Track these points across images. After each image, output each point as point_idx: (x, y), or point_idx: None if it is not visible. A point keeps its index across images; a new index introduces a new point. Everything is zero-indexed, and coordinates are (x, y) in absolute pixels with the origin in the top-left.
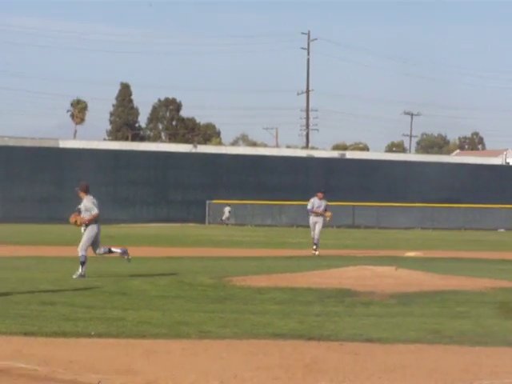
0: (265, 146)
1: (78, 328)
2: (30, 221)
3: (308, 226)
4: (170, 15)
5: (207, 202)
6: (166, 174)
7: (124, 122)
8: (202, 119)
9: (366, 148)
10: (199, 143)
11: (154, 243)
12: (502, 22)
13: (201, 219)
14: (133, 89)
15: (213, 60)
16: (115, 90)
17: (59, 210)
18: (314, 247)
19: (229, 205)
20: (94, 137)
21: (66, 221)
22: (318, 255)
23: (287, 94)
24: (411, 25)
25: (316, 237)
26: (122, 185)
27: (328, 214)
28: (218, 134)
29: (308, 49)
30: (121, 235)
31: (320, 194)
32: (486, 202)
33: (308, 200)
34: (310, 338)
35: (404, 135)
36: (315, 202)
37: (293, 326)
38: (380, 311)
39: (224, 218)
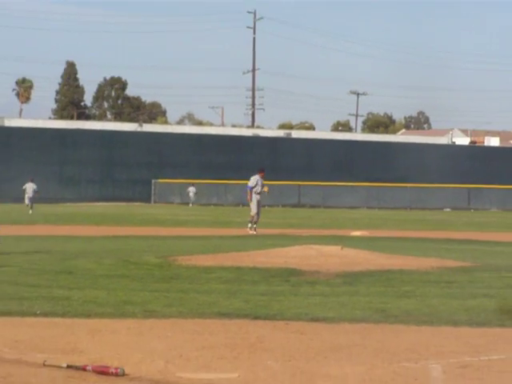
0: (211, 125)
1: (23, 307)
2: None
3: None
4: None
5: (153, 181)
6: (111, 153)
7: (70, 100)
8: (147, 98)
9: (311, 127)
10: (145, 122)
11: (99, 222)
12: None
13: (146, 198)
14: (78, 67)
15: (159, 39)
16: (61, 69)
17: (5, 189)
18: (255, 226)
19: (193, 184)
20: (40, 116)
21: (14, 199)
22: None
23: (233, 72)
24: (357, 3)
25: (259, 215)
26: (67, 164)
27: (266, 188)
28: (164, 112)
29: (254, 28)
30: (67, 214)
31: (262, 173)
32: (432, 182)
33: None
34: (256, 318)
35: (350, 114)
36: (259, 181)
37: (238, 305)
38: (326, 290)
39: (191, 198)
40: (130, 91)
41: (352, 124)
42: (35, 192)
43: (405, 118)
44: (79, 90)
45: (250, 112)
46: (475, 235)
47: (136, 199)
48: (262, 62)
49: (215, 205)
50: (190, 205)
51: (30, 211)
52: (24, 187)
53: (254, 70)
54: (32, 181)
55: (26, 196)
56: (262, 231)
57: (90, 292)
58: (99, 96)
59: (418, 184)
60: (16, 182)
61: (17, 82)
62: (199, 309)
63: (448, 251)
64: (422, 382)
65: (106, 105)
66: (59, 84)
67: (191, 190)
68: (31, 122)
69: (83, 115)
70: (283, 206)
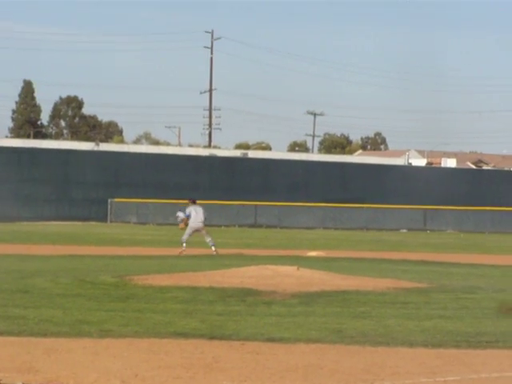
0: (168, 144)
1: None
2: None
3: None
4: (71, 12)
5: (109, 200)
6: (67, 171)
7: (26, 119)
8: (104, 117)
9: (268, 147)
10: (101, 141)
11: (55, 241)
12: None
13: (103, 217)
14: (35, 86)
15: (115, 58)
16: (17, 87)
17: None
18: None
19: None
20: None
21: None
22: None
23: (190, 92)
24: (312, 24)
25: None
26: (24, 182)
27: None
28: (121, 132)
29: (211, 48)
30: (23, 233)
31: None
32: (389, 203)
33: (212, 199)
34: (212, 338)
35: (307, 135)
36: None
37: (194, 325)
38: (282, 311)
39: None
40: (86, 110)
41: (309, 144)
42: None
43: (361, 138)
44: (36, 109)
45: (207, 132)
46: (431, 256)
47: (92, 218)
48: (220, 81)
49: (171, 224)
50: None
51: None
52: None
53: (211, 89)
54: None
55: None
56: (219, 251)
57: (46, 311)
58: (56, 115)
59: (375, 205)
60: None
61: None
62: (155, 328)
63: (404, 272)
64: None
65: (62, 123)
66: (16, 102)
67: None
68: None
69: (40, 134)
70: (239, 225)
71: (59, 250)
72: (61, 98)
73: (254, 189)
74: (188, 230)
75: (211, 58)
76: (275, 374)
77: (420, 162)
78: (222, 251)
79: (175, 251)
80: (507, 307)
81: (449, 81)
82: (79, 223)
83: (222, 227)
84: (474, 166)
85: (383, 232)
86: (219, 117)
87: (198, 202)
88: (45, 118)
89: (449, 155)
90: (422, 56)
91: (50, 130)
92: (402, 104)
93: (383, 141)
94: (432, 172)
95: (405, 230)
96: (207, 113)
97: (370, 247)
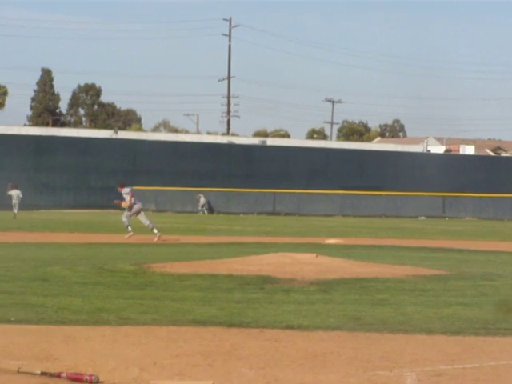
0: (186, 132)
1: None
2: None
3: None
4: (90, 0)
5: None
6: (86, 159)
7: (45, 107)
8: (122, 105)
9: (286, 135)
10: (120, 129)
11: (73, 229)
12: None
13: (120, 206)
14: (54, 74)
15: (134, 46)
16: (36, 76)
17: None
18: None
19: (201, 192)
20: (15, 122)
21: None
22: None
23: (208, 80)
24: (332, 11)
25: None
26: (42, 171)
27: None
28: (139, 120)
29: (229, 35)
30: (41, 221)
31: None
32: (407, 190)
33: (230, 187)
34: (231, 325)
35: (325, 122)
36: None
37: (213, 312)
38: (300, 298)
39: (200, 206)
40: (104, 98)
41: (327, 132)
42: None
43: (380, 126)
44: (54, 97)
45: (225, 119)
46: (450, 243)
47: (111, 206)
48: (238, 69)
49: (189, 212)
50: (200, 213)
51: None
52: (10, 194)
53: (229, 77)
54: (16, 187)
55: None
56: (237, 239)
57: (65, 299)
58: (74, 103)
59: (393, 192)
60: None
61: None
62: (174, 316)
63: (423, 259)
64: None
65: (81, 112)
66: (34, 91)
67: (201, 198)
68: (6, 129)
69: (58, 122)
70: (258, 213)
71: (77, 237)
72: (79, 86)
73: (273, 176)
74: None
75: (229, 46)
76: (294, 362)
77: (438, 149)
78: (240, 239)
79: (194, 239)
80: (507, 308)
81: (464, 67)
82: (97, 211)
83: (241, 215)
84: (492, 153)
85: (402, 219)
86: (237, 104)
87: (216, 189)
88: (63, 106)
89: (467, 142)
90: (437, 44)
91: (69, 118)
92: (420, 91)
93: (401, 128)
94: (450, 159)
95: (423, 217)
96: (225, 100)
97: (389, 234)
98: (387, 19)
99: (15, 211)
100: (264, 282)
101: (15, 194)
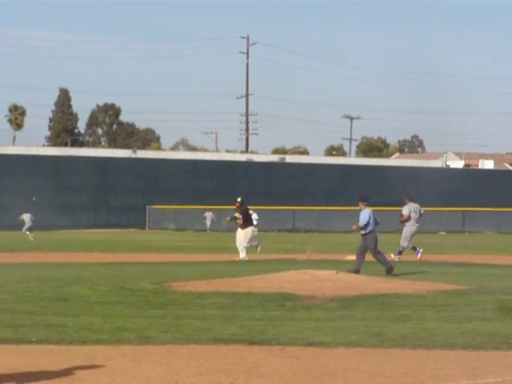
0: (205, 150)
1: (18, 334)
2: None
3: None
4: (108, 20)
5: (147, 207)
6: (105, 179)
7: (63, 127)
8: (141, 124)
9: (305, 152)
10: (139, 148)
11: (93, 249)
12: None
13: (141, 224)
14: (72, 94)
15: (151, 64)
16: (54, 96)
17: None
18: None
19: (209, 210)
20: (33, 143)
21: (7, 227)
22: None
23: (227, 98)
24: (345, 27)
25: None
26: (61, 191)
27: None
28: (158, 138)
29: (247, 53)
30: (61, 241)
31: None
32: (427, 205)
33: (249, 204)
34: (252, 343)
35: (344, 139)
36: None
37: (234, 330)
38: (321, 315)
39: (208, 224)
40: (123, 117)
41: (346, 148)
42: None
43: (399, 141)
44: (73, 117)
45: (244, 137)
46: (470, 258)
47: (130, 225)
48: (256, 87)
49: (210, 230)
50: (208, 231)
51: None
52: (21, 218)
53: (247, 95)
54: (26, 211)
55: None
56: (257, 256)
57: (86, 319)
58: (92, 123)
59: None
60: (9, 210)
61: (9, 109)
62: (195, 334)
63: (443, 274)
64: None
65: (99, 131)
66: (52, 111)
67: (208, 215)
68: (25, 149)
69: (77, 142)
70: (278, 230)
71: (97, 257)
72: (98, 106)
73: (292, 193)
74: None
75: (247, 64)
76: (316, 379)
77: (457, 164)
78: (261, 256)
79: (214, 257)
80: (507, 308)
81: (479, 82)
82: (117, 230)
83: (261, 232)
84: (511, 167)
85: (422, 234)
86: (256, 122)
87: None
88: (81, 126)
89: (486, 157)
90: (456, 58)
91: (87, 138)
92: (438, 106)
93: (420, 143)
94: (470, 174)
95: (443, 233)
96: (244, 118)
97: (409, 250)
98: (405, 35)
99: (32, 234)
100: (285, 299)
101: (27, 217)
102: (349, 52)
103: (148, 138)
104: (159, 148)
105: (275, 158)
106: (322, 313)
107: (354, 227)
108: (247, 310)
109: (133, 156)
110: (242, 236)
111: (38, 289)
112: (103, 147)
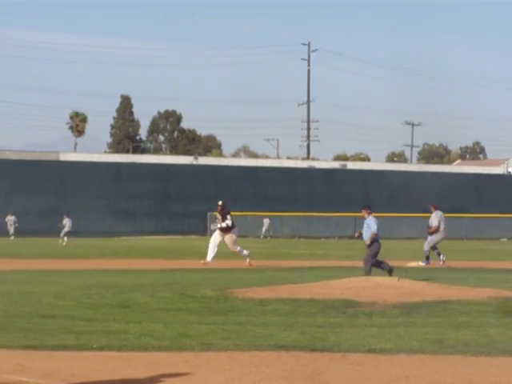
0: (266, 157)
1: (80, 341)
2: (30, 234)
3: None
4: (169, 27)
5: (208, 213)
6: (166, 186)
7: (125, 134)
8: (202, 131)
9: (366, 158)
10: (200, 155)
11: (155, 255)
12: (501, 32)
13: (202, 231)
14: (133, 101)
15: (213, 71)
16: (116, 103)
17: (60, 223)
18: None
19: (267, 217)
20: (95, 149)
21: (69, 233)
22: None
23: (288, 104)
24: (412, 35)
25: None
26: (122, 197)
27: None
28: (219, 145)
29: (308, 59)
30: (122, 247)
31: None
32: (488, 212)
33: (311, 211)
34: (313, 350)
35: (405, 145)
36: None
37: (295, 337)
38: (382, 322)
39: (264, 230)
40: (184, 124)
41: (407, 155)
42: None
43: (460, 148)
44: (134, 124)
45: (305, 144)
46: None
47: (192, 232)
48: (317, 93)
49: (271, 237)
50: (263, 237)
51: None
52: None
53: (308, 101)
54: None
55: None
56: (318, 263)
57: (147, 325)
58: (154, 129)
59: (474, 214)
60: (71, 216)
61: (70, 116)
62: (256, 341)
63: (505, 281)
64: None
65: (161, 138)
66: (114, 118)
67: (265, 222)
68: (86, 156)
69: (138, 149)
70: (339, 237)
71: (159, 263)
72: (159, 113)
73: (354, 200)
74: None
75: (308, 70)
76: None
77: None
78: (321, 263)
79: (274, 264)
80: (508, 308)
81: None
82: (178, 237)
83: (322, 239)
84: None
85: (483, 241)
86: (317, 128)
87: (297, 214)
88: (143, 132)
89: None
90: None
91: (149, 145)
92: (500, 112)
93: (482, 150)
94: None
95: (505, 239)
96: (305, 125)
97: (470, 257)
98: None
99: (65, 238)
100: (346, 305)
101: (67, 222)
102: (411, 59)
103: (209, 145)
104: (220, 155)
105: (336, 164)
106: (383, 319)
107: (368, 241)
108: (308, 316)
109: (194, 163)
110: (229, 242)
111: (100, 295)
112: (164, 154)
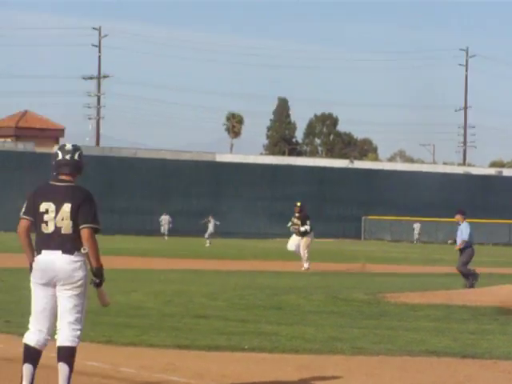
0: (422, 162)
1: (231, 342)
2: (184, 234)
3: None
4: (330, 32)
5: (363, 217)
6: (322, 188)
7: (281, 136)
8: (358, 134)
9: None
10: (356, 158)
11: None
12: None
13: (356, 235)
14: (290, 103)
15: (369, 76)
16: (272, 105)
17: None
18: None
19: (417, 222)
20: (251, 151)
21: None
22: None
23: (444, 110)
24: None
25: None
26: (278, 199)
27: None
28: (375, 149)
29: (466, 65)
30: (275, 250)
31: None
32: None
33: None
34: (464, 356)
35: None
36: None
37: (446, 343)
38: None
39: (416, 234)
40: (341, 127)
41: None
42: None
43: None
44: (290, 126)
45: (462, 150)
46: None
47: (346, 235)
48: (474, 99)
49: (425, 242)
50: (414, 242)
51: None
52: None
53: (465, 107)
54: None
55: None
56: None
57: (299, 328)
58: (310, 132)
59: None
60: (227, 217)
61: (227, 117)
62: (407, 346)
63: None
64: None
65: (317, 141)
66: (270, 120)
67: (416, 227)
68: (242, 158)
69: (294, 151)
70: (494, 244)
71: (313, 266)
72: (315, 116)
73: (509, 207)
74: None
75: (466, 76)
76: None
77: None
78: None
79: (428, 269)
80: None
81: None
82: (332, 240)
83: (476, 245)
84: None
85: None
86: (474, 134)
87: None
88: (299, 135)
89: None
90: None
91: (305, 148)
92: None
93: None
94: None
95: None
96: (462, 130)
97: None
98: None
99: (207, 241)
100: (498, 312)
101: (212, 224)
102: None
103: (365, 149)
104: (376, 159)
105: (492, 171)
106: None
107: (457, 247)
108: (460, 322)
109: (350, 166)
110: (303, 244)
111: (253, 296)
112: (320, 157)
